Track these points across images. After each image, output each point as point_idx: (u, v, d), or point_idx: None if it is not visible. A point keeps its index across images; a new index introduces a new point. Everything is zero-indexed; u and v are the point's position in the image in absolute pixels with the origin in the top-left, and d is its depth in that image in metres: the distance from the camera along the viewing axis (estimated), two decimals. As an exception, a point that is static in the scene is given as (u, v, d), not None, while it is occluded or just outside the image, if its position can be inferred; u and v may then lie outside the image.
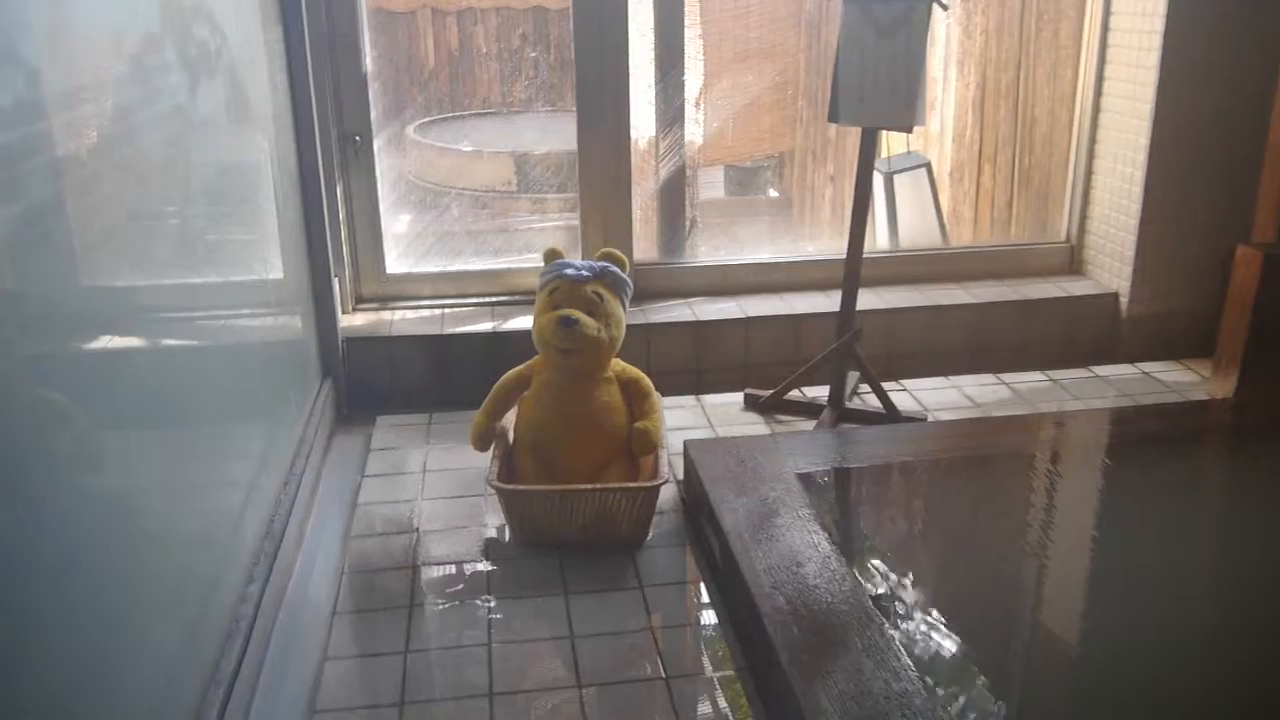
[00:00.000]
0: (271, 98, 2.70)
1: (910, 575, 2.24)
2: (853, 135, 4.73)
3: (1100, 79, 3.59)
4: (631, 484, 2.41)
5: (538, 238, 5.32)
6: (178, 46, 1.96)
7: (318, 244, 3.02)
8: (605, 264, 2.56)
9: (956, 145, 3.95)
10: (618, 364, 2.62)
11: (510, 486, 2.40)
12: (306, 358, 2.98)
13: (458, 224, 5.21)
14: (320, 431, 2.90)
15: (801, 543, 2.23)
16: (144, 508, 1.67)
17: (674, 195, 3.59)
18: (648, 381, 2.62)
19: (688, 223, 3.65)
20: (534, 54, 3.66)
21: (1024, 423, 2.98)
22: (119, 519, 1.56)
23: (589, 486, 2.38)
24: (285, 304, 2.76)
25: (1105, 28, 3.54)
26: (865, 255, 3.08)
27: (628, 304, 2.60)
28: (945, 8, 2.70)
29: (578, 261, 2.55)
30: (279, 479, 2.48)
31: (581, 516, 2.40)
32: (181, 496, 1.86)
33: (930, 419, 3.07)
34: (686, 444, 2.69)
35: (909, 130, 2.80)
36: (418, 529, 2.55)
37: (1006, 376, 3.44)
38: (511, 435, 2.64)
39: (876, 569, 2.24)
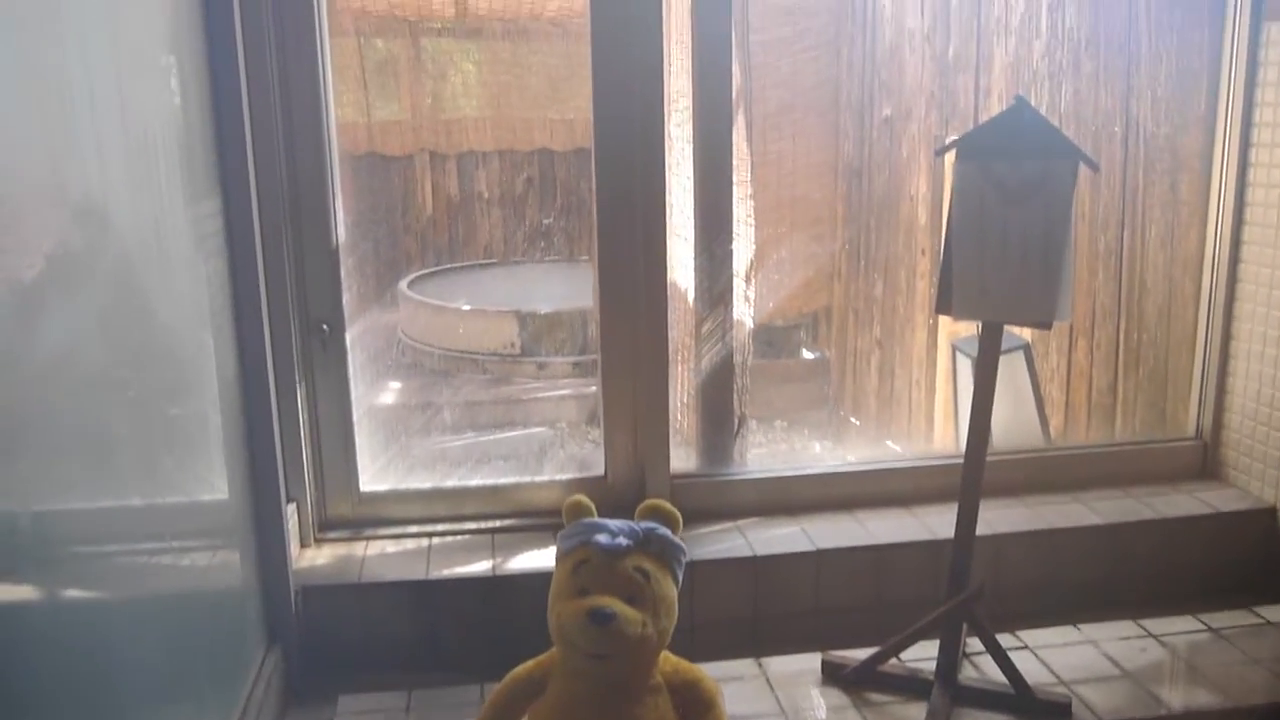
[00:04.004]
0: (206, 289, 2.03)
1: None
2: (903, 294, 4.07)
3: (1237, 242, 2.94)
4: None
5: (545, 408, 4.66)
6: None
7: (264, 462, 2.31)
8: (650, 525, 1.83)
9: (1041, 315, 3.28)
10: (668, 661, 1.87)
11: None
12: (243, 618, 2.23)
13: (455, 394, 4.60)
14: (259, 731, 2.14)
15: None
16: None
17: (719, 387, 2.89)
18: (710, 685, 1.87)
19: (736, 421, 2.94)
20: (559, 200, 3.05)
21: None
22: None
23: None
24: (213, 540, 2.05)
25: (1242, 181, 2.90)
26: (948, 459, 2.62)
27: (680, 576, 1.87)
28: (1096, 168, 2.04)
29: (613, 523, 1.82)
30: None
31: None
32: None
33: (1073, 700, 2.31)
34: (763, 770, 1.92)
35: (1048, 327, 2.11)
36: None
37: (1148, 623, 2.68)
38: (518, 763, 1.88)
39: None
